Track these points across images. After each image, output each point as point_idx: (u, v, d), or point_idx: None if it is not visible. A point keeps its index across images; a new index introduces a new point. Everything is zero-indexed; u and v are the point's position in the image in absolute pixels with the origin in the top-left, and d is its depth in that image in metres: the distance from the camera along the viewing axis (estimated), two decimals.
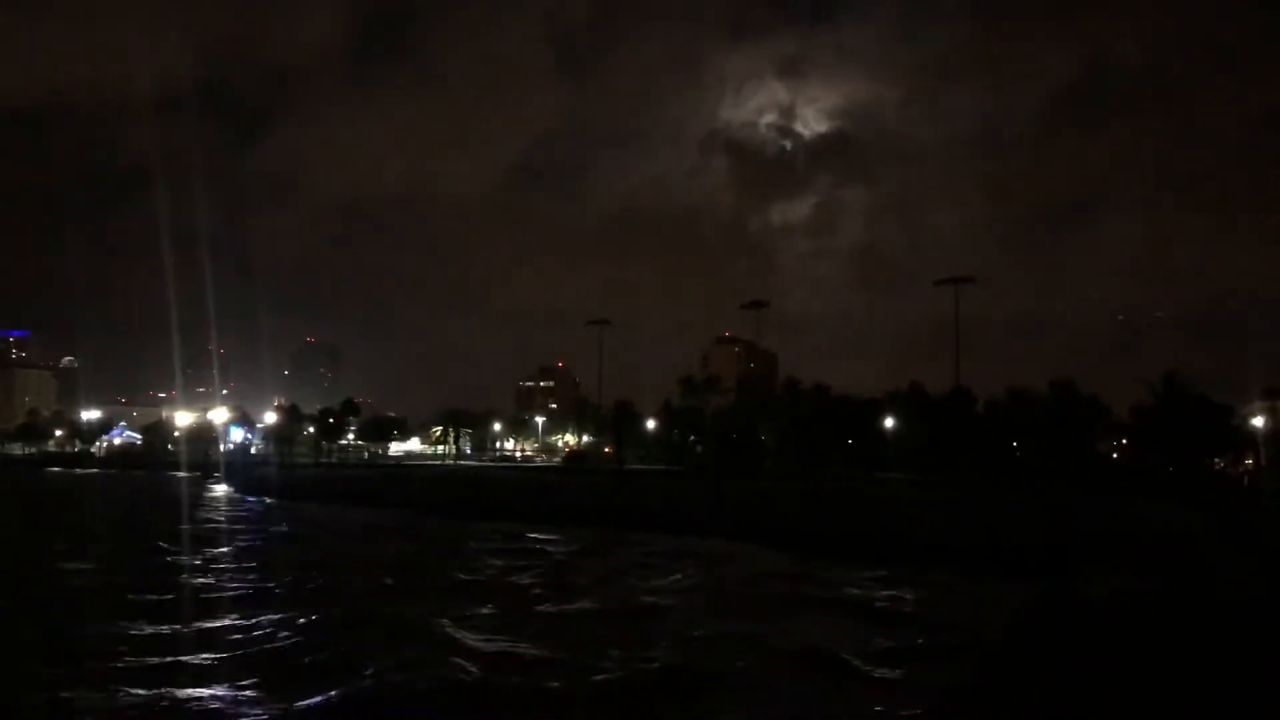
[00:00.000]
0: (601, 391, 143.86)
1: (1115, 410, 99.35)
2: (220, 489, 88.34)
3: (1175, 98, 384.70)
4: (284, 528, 46.16)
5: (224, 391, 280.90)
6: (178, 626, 19.35)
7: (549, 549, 35.17)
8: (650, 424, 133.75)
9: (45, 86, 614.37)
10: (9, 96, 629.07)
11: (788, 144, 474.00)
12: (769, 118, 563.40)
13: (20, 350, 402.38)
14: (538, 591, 24.84)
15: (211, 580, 26.60)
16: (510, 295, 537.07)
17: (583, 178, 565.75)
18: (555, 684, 15.12)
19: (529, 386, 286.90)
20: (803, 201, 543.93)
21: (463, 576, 27.39)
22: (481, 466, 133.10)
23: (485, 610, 21.72)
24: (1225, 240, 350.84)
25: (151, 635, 18.51)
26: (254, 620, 19.92)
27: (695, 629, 19.70)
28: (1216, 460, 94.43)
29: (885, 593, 25.25)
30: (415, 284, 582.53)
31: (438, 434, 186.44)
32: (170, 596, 23.32)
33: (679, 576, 27.80)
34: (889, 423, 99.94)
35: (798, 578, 27.45)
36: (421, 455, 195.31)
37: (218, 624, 19.63)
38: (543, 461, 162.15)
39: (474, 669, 15.88)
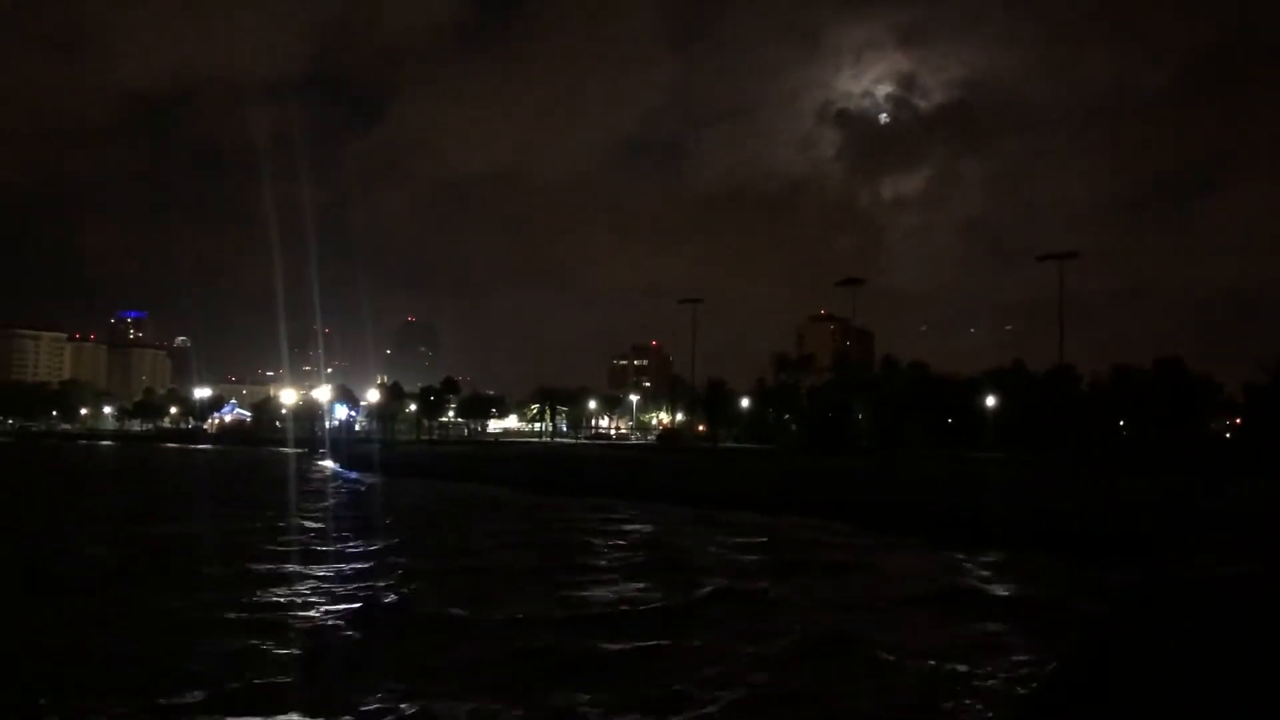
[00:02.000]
0: (695, 369, 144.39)
1: (1227, 389, 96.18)
2: (326, 464, 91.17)
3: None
4: (407, 500, 48.28)
5: (329, 370, 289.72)
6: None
7: (640, 526, 35.73)
8: (744, 402, 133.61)
9: (165, 73, 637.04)
10: (129, 82, 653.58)
11: (904, 116, 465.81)
12: (886, 89, 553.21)
13: (138, 330, 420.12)
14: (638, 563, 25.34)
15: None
16: (608, 274, 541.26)
17: (687, 154, 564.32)
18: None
19: (623, 365, 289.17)
20: (915, 175, 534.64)
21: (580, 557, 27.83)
22: (576, 444, 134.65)
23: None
24: None
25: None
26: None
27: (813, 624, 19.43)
28: None
29: (984, 573, 25.09)
30: (514, 263, 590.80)
31: (534, 412, 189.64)
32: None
33: (762, 555, 27.93)
34: (990, 401, 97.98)
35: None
36: (518, 433, 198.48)
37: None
38: (637, 439, 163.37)
39: None
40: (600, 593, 21.36)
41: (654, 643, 16.21)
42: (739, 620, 18.31)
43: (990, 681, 14.29)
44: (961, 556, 27.39)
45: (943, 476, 53.04)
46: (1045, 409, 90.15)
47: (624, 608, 19.59)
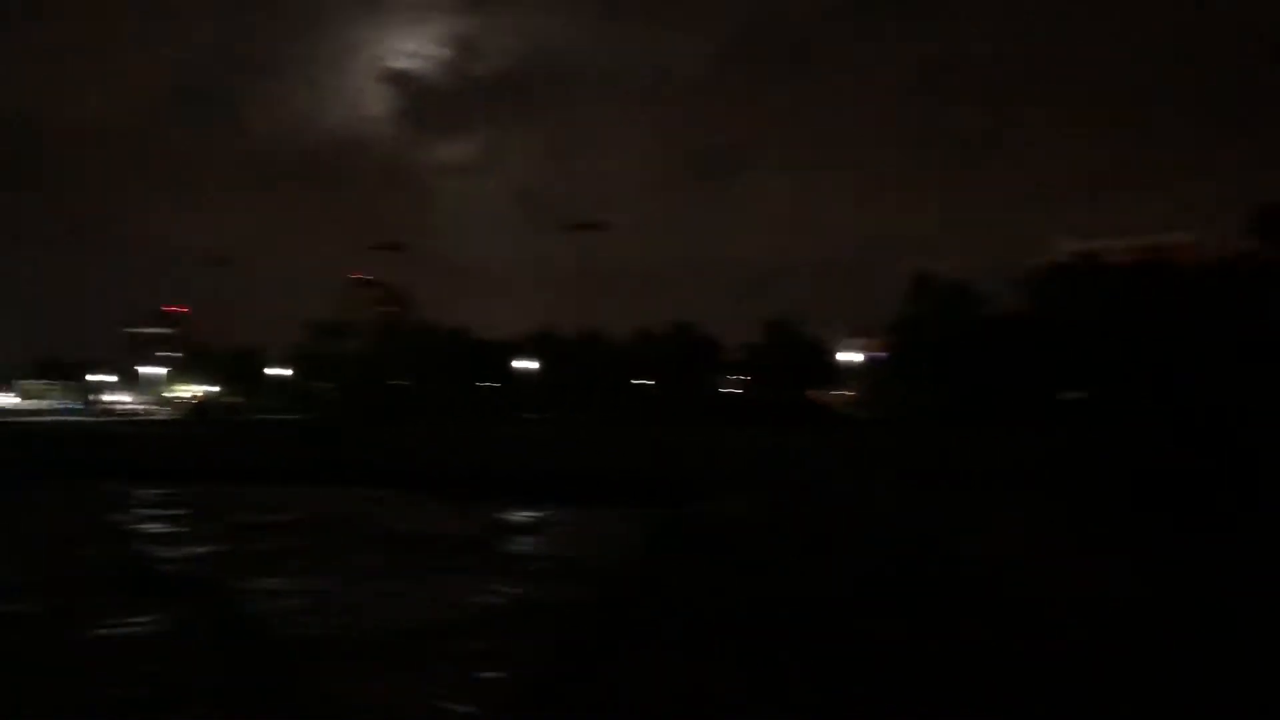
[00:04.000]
0: (227, 338, 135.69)
1: (732, 350, 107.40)
2: None
3: (834, 60, 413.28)
4: None
5: None
6: None
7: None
8: (285, 371, 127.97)
9: None
10: None
11: (459, 80, 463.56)
12: (443, 51, 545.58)
13: None
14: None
15: None
16: (137, 234, 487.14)
17: (232, 107, 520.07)
18: None
19: (145, 333, 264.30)
20: (469, 141, 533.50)
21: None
22: (94, 422, 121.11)
23: None
24: (854, 197, 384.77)
25: None
26: None
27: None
28: (827, 391, 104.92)
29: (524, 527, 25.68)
30: (24, 218, 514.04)
31: (35, 386, 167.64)
32: None
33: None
34: (528, 364, 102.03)
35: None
36: (16, 410, 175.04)
37: None
38: (164, 415, 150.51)
39: None
40: None
41: None
42: None
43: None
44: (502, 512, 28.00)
45: (481, 439, 54.03)
46: (576, 371, 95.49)
47: None
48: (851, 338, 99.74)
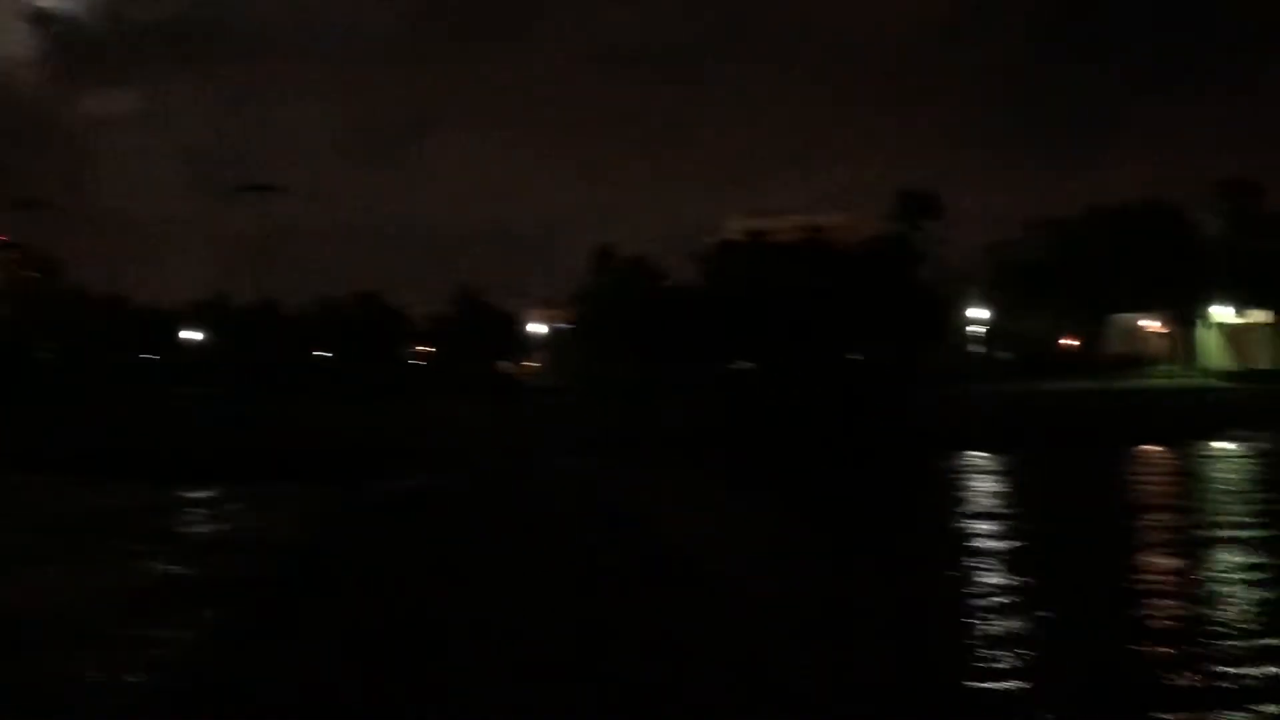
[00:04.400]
0: None
1: (419, 320, 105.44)
2: None
3: (526, 28, 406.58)
4: None
5: None
6: None
7: None
8: None
9: None
10: None
11: (117, 23, 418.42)
12: None
13: None
14: None
15: None
16: None
17: None
18: None
19: None
20: (128, 92, 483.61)
21: None
22: None
23: None
24: (542, 168, 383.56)
25: None
26: None
27: None
28: (516, 361, 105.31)
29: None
30: None
31: None
32: None
33: None
34: (195, 335, 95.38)
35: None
36: None
37: None
38: None
39: None
40: None
41: None
42: None
43: None
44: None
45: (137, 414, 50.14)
46: (250, 342, 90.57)
47: None
48: (539, 308, 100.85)
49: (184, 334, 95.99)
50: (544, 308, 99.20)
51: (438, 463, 25.46)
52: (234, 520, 23.07)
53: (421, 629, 11.54)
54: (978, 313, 77.26)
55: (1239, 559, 19.86)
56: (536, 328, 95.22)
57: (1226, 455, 40.96)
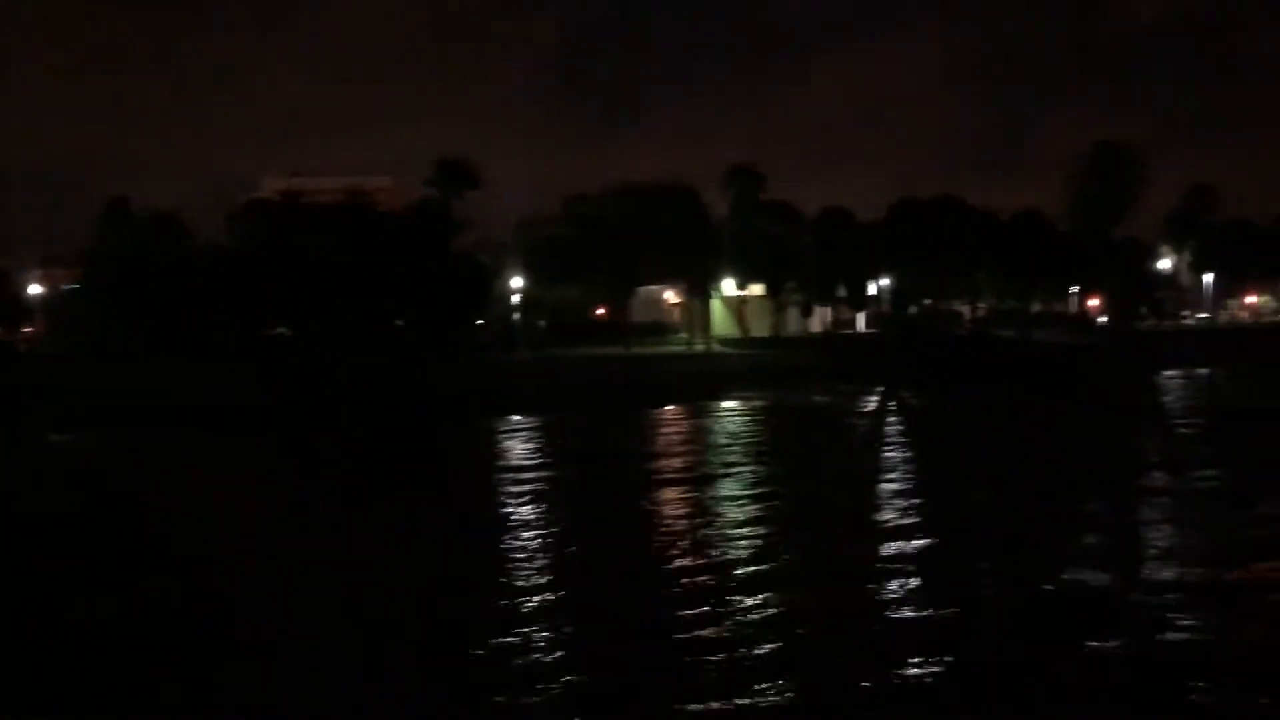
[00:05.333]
0: None
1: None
2: None
3: None
4: None
5: None
6: None
7: None
8: None
9: None
10: None
11: None
12: None
13: None
14: None
15: None
16: None
17: None
18: None
19: None
20: None
21: None
22: None
23: None
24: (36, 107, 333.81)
25: None
26: None
27: None
28: (16, 328, 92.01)
29: None
30: None
31: None
32: None
33: None
34: None
35: None
36: None
37: None
38: None
39: None
40: None
41: None
42: None
43: None
44: None
45: None
46: None
47: None
48: (41, 268, 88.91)
49: None
50: (46, 266, 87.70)
51: None
52: None
53: None
54: (516, 282, 79.38)
55: (727, 491, 23.59)
56: (36, 289, 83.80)
57: (730, 413, 45.35)
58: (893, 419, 40.98)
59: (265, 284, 70.81)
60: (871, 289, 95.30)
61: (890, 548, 16.91)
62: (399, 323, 77.86)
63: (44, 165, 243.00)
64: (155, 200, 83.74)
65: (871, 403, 47.58)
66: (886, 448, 30.89)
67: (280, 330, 77.87)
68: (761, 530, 18.80)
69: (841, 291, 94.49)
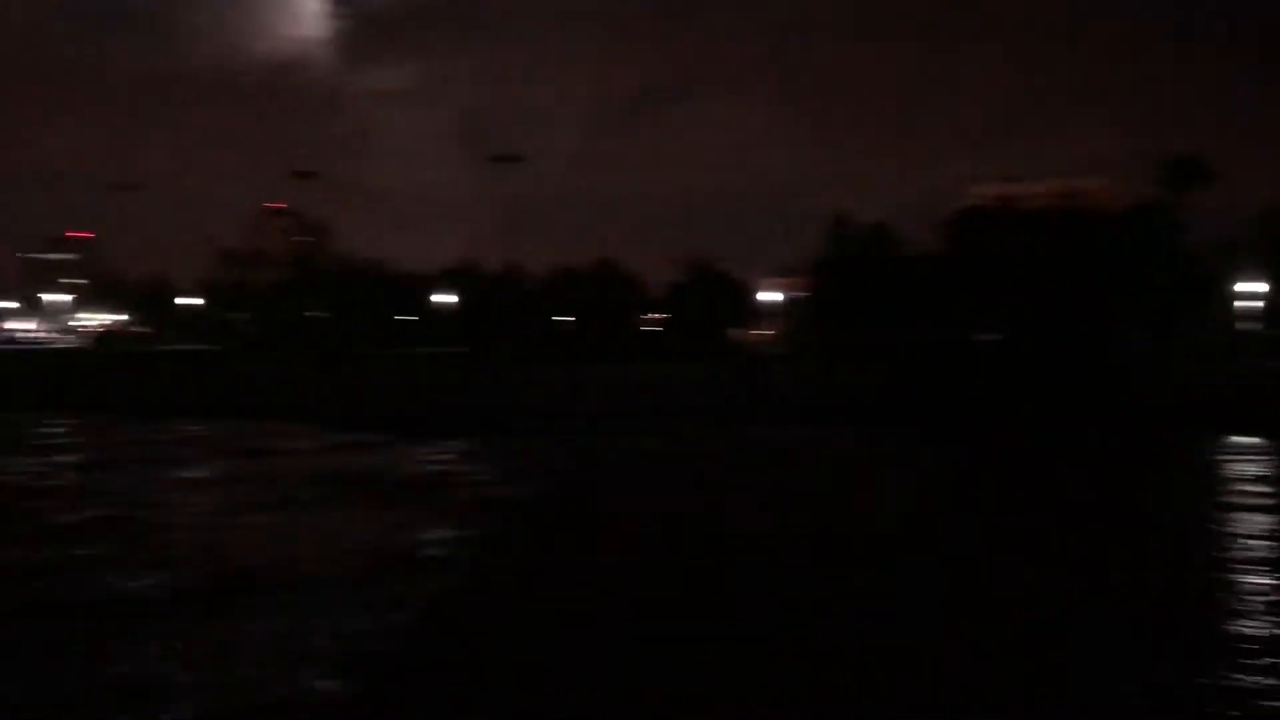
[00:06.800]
0: (137, 265, 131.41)
1: (655, 287, 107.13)
2: None
3: None
4: None
5: None
6: None
7: None
8: (197, 301, 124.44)
9: None
10: None
11: (390, 4, 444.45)
12: None
13: None
14: None
15: None
16: (34, 156, 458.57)
17: (157, 26, 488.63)
18: None
19: (43, 259, 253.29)
20: (405, 66, 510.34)
21: None
22: None
23: None
24: (782, 135, 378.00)
25: None
26: None
27: None
28: (748, 330, 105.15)
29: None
30: None
31: None
32: None
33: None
34: (446, 298, 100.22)
35: None
36: None
37: None
38: (71, 343, 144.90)
39: None
40: None
41: None
42: None
43: None
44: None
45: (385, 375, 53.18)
46: (495, 305, 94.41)
47: None
48: (772, 277, 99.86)
49: (436, 298, 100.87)
50: (780, 275, 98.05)
51: (650, 426, 25.95)
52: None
53: None
54: (1251, 286, 69.47)
55: None
56: (769, 296, 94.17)
57: None
58: None
59: (976, 289, 71.29)
60: None
61: None
62: (1111, 329, 73.14)
63: (770, 191, 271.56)
64: (871, 214, 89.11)
65: None
66: None
67: (990, 335, 77.58)
68: None
69: None
